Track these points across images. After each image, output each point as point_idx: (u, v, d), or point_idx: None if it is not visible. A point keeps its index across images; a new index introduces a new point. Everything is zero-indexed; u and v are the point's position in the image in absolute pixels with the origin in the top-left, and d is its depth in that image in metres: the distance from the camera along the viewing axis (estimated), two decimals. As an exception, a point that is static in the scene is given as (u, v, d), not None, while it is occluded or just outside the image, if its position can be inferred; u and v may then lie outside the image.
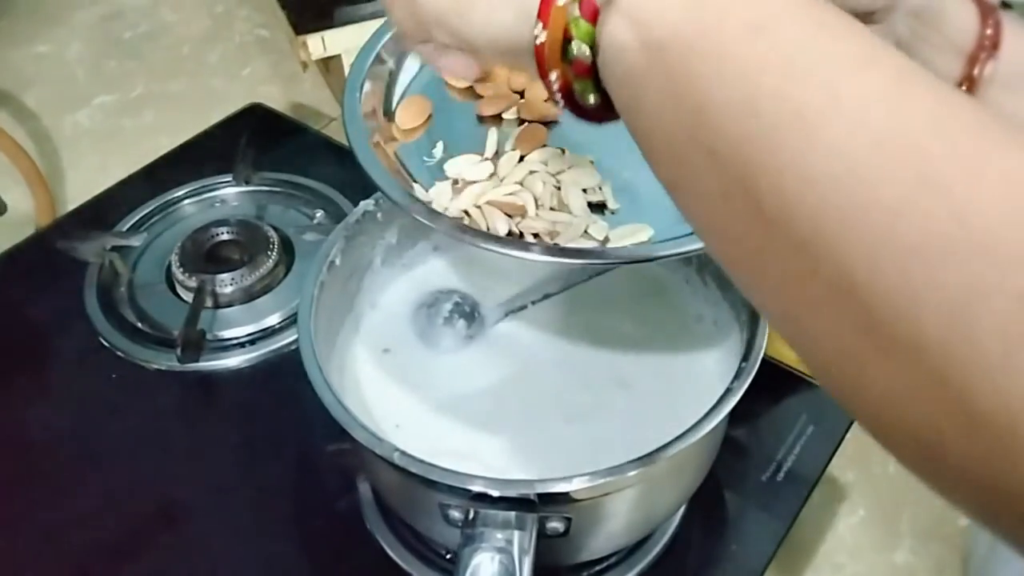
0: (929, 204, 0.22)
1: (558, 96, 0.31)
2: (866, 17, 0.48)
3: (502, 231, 0.40)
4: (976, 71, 0.48)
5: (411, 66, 0.48)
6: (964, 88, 0.48)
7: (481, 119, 0.46)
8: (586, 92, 0.30)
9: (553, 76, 0.30)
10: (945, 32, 0.48)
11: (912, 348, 0.22)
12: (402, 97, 0.47)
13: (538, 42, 0.30)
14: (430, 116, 0.46)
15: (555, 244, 0.39)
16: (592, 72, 0.30)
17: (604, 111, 0.31)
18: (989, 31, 0.47)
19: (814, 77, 0.25)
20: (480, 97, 0.46)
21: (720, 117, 0.26)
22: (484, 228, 0.41)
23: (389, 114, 0.47)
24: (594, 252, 0.39)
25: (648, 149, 0.29)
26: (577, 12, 0.28)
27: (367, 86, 0.46)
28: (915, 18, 0.48)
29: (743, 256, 0.27)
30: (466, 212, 0.41)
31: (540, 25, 0.29)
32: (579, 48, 0.29)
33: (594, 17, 0.28)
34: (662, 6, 0.27)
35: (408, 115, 0.46)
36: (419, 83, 0.48)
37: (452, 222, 0.40)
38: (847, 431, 0.56)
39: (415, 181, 0.43)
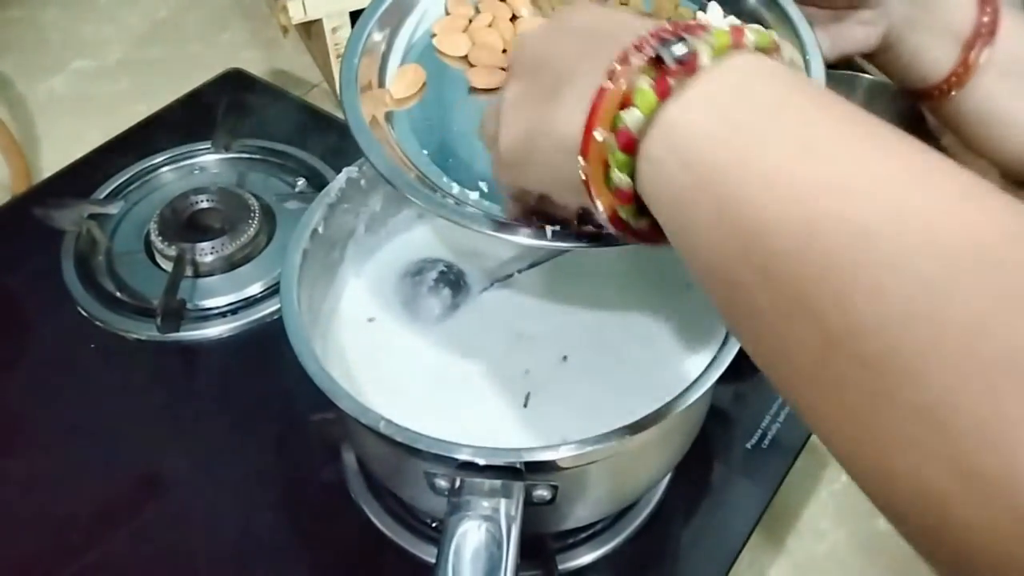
0: (1013, 318, 0.21)
1: (607, 223, 0.32)
2: (860, 1, 0.47)
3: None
4: (972, 57, 0.47)
5: (403, 38, 0.48)
6: (960, 72, 0.48)
7: (473, 89, 0.45)
8: (631, 216, 0.31)
9: (599, 204, 0.31)
10: (942, 17, 0.48)
11: (1007, 487, 0.20)
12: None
13: (583, 176, 0.30)
14: (424, 85, 0.46)
15: (551, 229, 0.39)
16: (634, 198, 0.30)
17: (655, 233, 0.31)
18: (986, 17, 0.47)
19: (875, 196, 0.24)
20: (473, 66, 0.46)
21: (774, 237, 0.25)
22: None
23: (383, 84, 0.46)
24: (588, 236, 0.38)
25: (697, 269, 0.29)
26: (615, 143, 0.29)
27: (363, 60, 0.46)
28: (911, 2, 0.48)
29: (807, 381, 0.25)
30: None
31: (582, 160, 0.30)
32: (618, 177, 0.29)
33: (630, 146, 0.28)
34: (700, 131, 0.27)
35: (403, 84, 0.45)
36: (414, 54, 0.47)
37: (453, 207, 0.40)
38: (831, 399, 0.56)
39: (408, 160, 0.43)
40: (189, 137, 0.73)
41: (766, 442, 0.55)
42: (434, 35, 0.47)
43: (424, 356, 0.49)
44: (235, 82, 0.80)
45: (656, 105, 0.28)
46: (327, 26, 0.76)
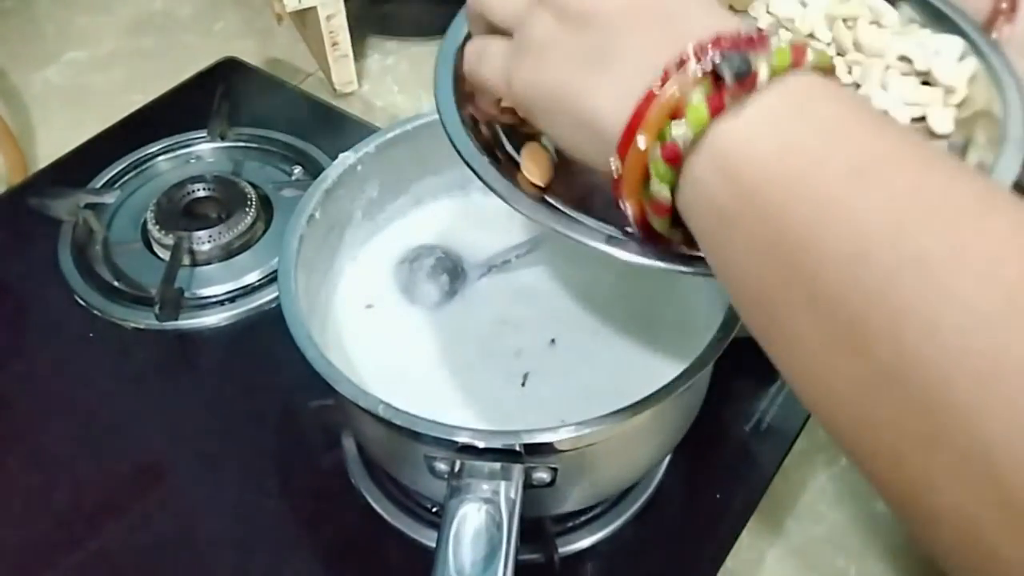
0: None
1: (632, 223, 0.30)
2: None
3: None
4: (993, 35, 0.47)
5: None
6: None
7: None
8: (665, 228, 0.30)
9: (628, 206, 0.30)
10: None
11: None
12: None
13: (615, 174, 0.29)
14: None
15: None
16: (672, 211, 0.29)
17: (686, 244, 0.30)
18: None
19: (932, 224, 0.23)
20: None
21: (823, 263, 0.24)
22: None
23: None
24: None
25: (736, 293, 0.28)
26: (658, 154, 0.27)
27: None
28: None
29: (850, 415, 0.24)
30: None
31: (617, 160, 0.29)
32: (658, 189, 0.28)
33: (675, 160, 0.27)
34: (751, 149, 0.26)
35: (536, 168, 0.39)
36: None
37: (545, 209, 0.36)
38: (829, 382, 0.56)
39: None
40: (184, 126, 0.73)
41: (764, 425, 0.55)
42: None
43: (422, 341, 0.49)
44: (230, 71, 0.79)
45: (707, 122, 0.26)
46: (322, 14, 0.75)
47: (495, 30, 0.35)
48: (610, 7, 0.30)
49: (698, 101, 0.26)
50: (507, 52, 0.33)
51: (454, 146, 0.38)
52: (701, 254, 0.30)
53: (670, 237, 0.30)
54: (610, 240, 0.34)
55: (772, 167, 0.25)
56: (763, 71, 0.26)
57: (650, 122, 0.27)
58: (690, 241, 0.30)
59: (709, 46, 0.27)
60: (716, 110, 0.26)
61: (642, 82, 0.28)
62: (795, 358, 0.26)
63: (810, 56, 0.27)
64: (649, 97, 0.27)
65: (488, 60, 0.34)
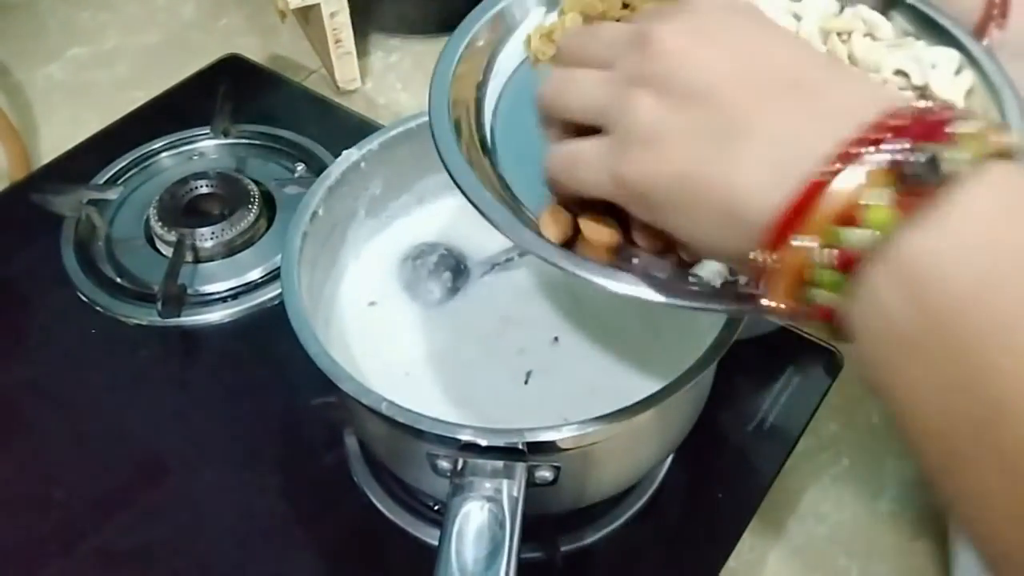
0: None
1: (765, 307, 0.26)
2: None
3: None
4: (984, 41, 0.47)
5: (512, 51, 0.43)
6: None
7: None
8: (825, 331, 0.26)
9: (775, 302, 0.26)
10: (952, 1, 0.48)
11: None
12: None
13: (761, 266, 0.25)
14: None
15: (651, 276, 0.33)
16: (833, 317, 0.25)
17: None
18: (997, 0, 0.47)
19: None
20: None
21: (1023, 424, 0.21)
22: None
23: (481, 108, 0.42)
24: (698, 292, 0.33)
25: (907, 424, 0.24)
26: (828, 260, 0.23)
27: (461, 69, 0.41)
28: None
29: None
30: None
31: (767, 254, 0.25)
32: (823, 295, 0.24)
33: (850, 269, 0.23)
34: (946, 272, 0.22)
35: (555, 228, 0.38)
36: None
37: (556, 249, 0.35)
38: (832, 383, 0.56)
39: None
40: (188, 123, 0.73)
41: (767, 425, 0.55)
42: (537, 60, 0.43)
43: (425, 339, 0.49)
44: (233, 68, 0.79)
45: (894, 226, 0.22)
46: (325, 11, 0.75)
47: (577, 131, 0.31)
48: (718, 75, 0.26)
49: (883, 202, 0.23)
50: (606, 149, 0.29)
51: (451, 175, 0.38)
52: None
53: (817, 332, 0.27)
54: (613, 275, 0.34)
55: (971, 299, 0.22)
56: (954, 167, 0.22)
57: (818, 221, 0.23)
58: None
59: (885, 132, 0.23)
60: (904, 212, 0.22)
61: (797, 165, 0.24)
62: (975, 510, 0.23)
63: (1002, 139, 0.23)
64: (814, 188, 0.24)
65: (584, 164, 0.30)
